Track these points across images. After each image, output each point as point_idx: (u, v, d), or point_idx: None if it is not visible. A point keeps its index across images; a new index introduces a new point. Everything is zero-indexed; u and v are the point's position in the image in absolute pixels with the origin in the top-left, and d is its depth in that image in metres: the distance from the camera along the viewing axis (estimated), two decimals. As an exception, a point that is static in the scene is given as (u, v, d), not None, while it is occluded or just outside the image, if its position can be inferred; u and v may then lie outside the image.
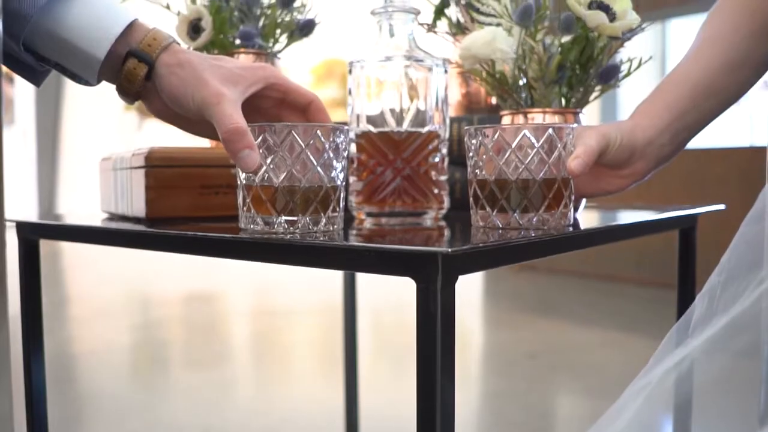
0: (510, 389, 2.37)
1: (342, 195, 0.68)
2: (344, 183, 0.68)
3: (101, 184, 0.93)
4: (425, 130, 0.81)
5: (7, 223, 0.83)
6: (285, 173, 0.63)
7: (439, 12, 1.06)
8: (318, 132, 0.64)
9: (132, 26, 0.64)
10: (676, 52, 8.54)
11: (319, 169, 0.64)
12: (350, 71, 0.82)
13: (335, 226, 0.67)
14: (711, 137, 7.69)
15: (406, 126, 0.81)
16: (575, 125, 0.70)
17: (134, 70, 0.63)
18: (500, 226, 0.68)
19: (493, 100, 1.05)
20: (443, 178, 0.82)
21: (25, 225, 0.88)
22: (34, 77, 0.70)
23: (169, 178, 0.81)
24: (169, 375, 2.67)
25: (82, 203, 8.38)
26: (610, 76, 0.81)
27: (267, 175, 0.63)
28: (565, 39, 0.81)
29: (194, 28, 0.87)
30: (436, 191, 0.82)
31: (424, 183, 0.81)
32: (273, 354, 3.02)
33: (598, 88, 0.84)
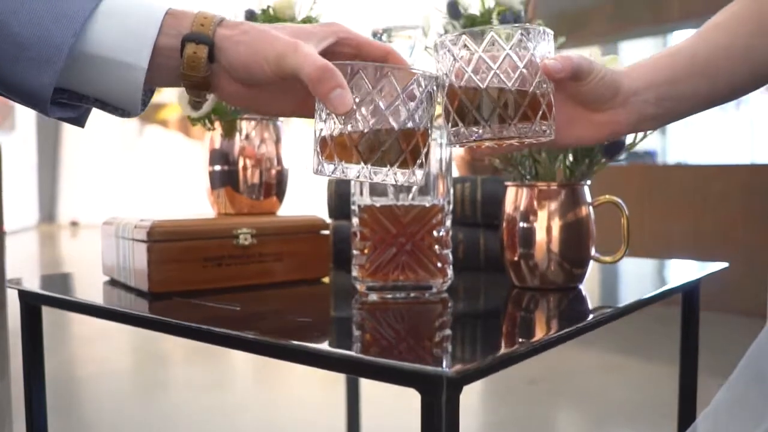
0: (510, 416, 2.36)
1: (429, 143, 0.62)
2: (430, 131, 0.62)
3: (103, 247, 0.93)
4: (429, 204, 0.81)
5: (11, 288, 0.82)
6: (376, 118, 0.57)
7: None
8: (420, 78, 0.58)
9: (170, 16, 0.57)
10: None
11: (416, 114, 0.58)
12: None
13: (416, 177, 0.61)
14: (712, 154, 7.68)
15: (409, 198, 0.81)
16: (548, 30, 0.65)
17: (195, 54, 0.56)
18: (473, 138, 0.63)
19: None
20: (447, 251, 0.82)
21: (27, 293, 0.88)
22: (77, 119, 0.65)
23: (172, 252, 0.81)
24: (170, 397, 2.67)
25: (83, 210, 8.38)
26: (615, 150, 0.81)
27: (356, 119, 0.57)
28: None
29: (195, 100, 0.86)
30: (439, 265, 0.81)
31: (428, 257, 0.81)
32: (276, 379, 3.01)
33: (602, 160, 0.83)
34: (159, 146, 8.49)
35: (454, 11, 1.01)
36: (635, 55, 8.35)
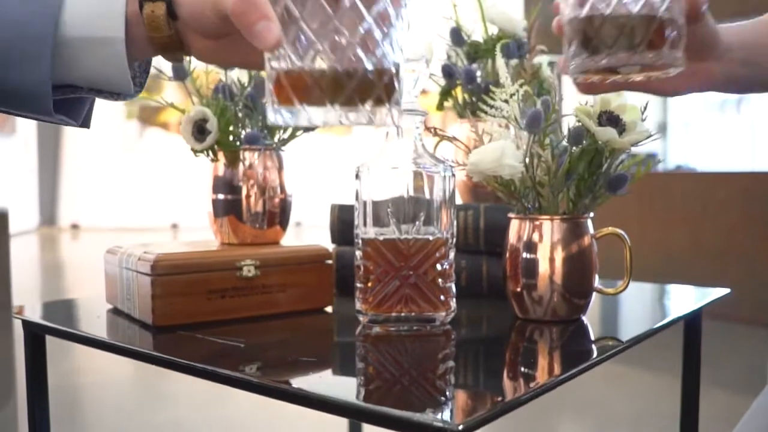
0: (512, 427, 2.36)
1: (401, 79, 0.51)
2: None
3: (106, 276, 0.93)
4: (433, 237, 0.81)
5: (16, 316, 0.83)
6: (313, 52, 0.47)
7: (446, 93, 1.05)
8: None
9: None
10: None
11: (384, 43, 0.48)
12: (357, 176, 0.82)
13: (395, 115, 0.50)
14: (713, 158, 7.66)
15: (413, 232, 0.81)
16: None
17: (153, 12, 0.55)
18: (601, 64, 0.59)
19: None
20: (450, 284, 0.82)
21: (30, 324, 0.88)
22: (77, 115, 0.64)
23: (176, 285, 0.81)
24: (174, 408, 2.67)
25: (83, 213, 8.38)
26: (618, 185, 0.81)
27: (287, 54, 0.48)
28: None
29: (199, 129, 0.86)
30: (443, 298, 0.82)
31: (431, 291, 0.81)
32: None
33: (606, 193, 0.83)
34: (160, 149, 8.49)
35: (457, 38, 1.01)
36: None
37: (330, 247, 1.03)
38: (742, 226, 3.50)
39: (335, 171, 7.14)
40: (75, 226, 8.37)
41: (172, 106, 0.90)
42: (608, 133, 0.75)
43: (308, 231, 5.93)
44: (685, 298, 1.06)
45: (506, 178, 0.77)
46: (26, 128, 7.94)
